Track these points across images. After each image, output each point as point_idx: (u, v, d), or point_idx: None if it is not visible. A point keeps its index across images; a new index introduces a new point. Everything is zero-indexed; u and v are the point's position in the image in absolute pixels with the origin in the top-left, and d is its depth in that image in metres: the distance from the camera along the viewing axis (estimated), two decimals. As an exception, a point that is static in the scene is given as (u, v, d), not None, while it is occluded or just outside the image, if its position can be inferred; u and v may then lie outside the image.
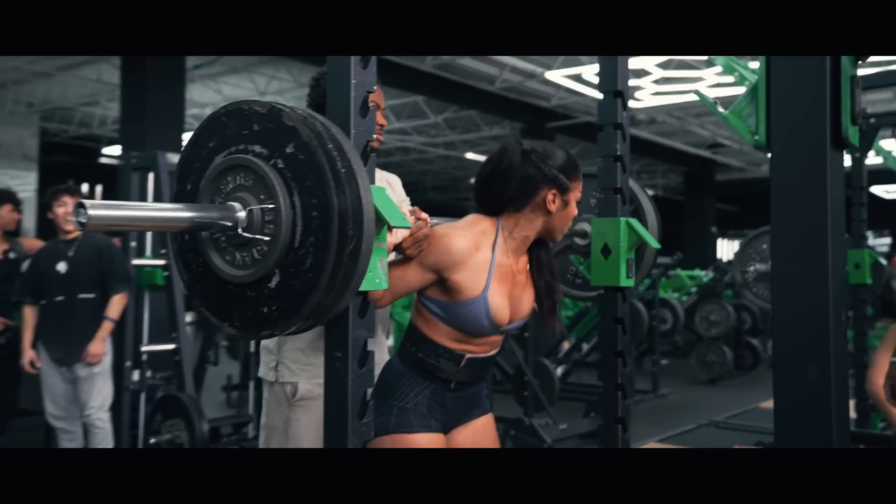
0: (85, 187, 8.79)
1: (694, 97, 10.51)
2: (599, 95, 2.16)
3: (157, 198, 3.99)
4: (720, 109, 1.34)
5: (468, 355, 1.81)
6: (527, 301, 1.87)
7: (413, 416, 1.77)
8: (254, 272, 1.25)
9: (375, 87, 1.36)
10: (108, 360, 3.94)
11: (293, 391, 1.94)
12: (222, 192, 1.29)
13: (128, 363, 3.85)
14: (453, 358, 1.79)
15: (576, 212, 1.88)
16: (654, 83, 9.95)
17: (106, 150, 14.70)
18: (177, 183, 1.39)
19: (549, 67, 9.79)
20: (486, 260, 1.77)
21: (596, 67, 9.21)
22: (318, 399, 1.91)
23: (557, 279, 1.92)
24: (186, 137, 9.79)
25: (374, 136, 2.11)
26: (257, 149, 1.26)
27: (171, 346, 3.86)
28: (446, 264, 1.71)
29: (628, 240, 2.08)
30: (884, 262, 4.11)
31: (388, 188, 2.19)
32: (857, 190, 3.96)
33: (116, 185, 4.41)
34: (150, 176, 4.18)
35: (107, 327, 3.87)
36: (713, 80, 9.73)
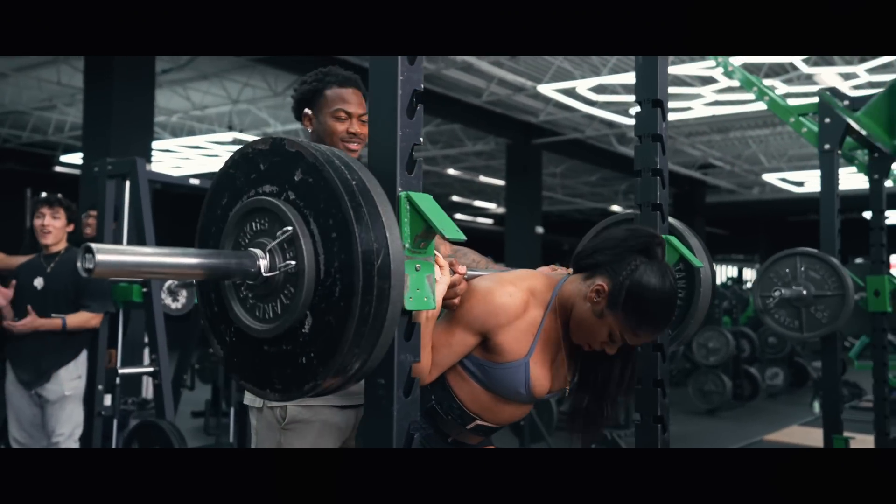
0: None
1: (686, 115, 10.70)
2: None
3: (135, 209, 3.87)
4: (843, 105, 1.29)
5: (478, 421, 1.73)
6: (565, 373, 1.75)
7: None
8: (285, 320, 1.19)
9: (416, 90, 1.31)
10: (80, 385, 3.80)
11: (283, 415, 1.94)
12: (241, 246, 1.26)
13: (100, 387, 3.71)
14: (463, 419, 1.72)
15: (603, 343, 1.63)
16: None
17: (62, 158, 14.45)
18: None
19: (540, 80, 9.81)
20: (534, 321, 1.66)
21: (590, 82, 9.27)
22: (309, 423, 1.93)
23: (614, 405, 1.73)
24: (155, 146, 9.59)
25: (353, 146, 2.06)
26: (267, 188, 1.24)
27: (149, 369, 3.73)
28: (492, 325, 1.61)
29: (668, 258, 2.03)
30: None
31: None
32: (877, 213, 3.95)
33: (76, 195, 4.30)
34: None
35: (50, 322, 3.68)
36: (711, 98, 9.83)
